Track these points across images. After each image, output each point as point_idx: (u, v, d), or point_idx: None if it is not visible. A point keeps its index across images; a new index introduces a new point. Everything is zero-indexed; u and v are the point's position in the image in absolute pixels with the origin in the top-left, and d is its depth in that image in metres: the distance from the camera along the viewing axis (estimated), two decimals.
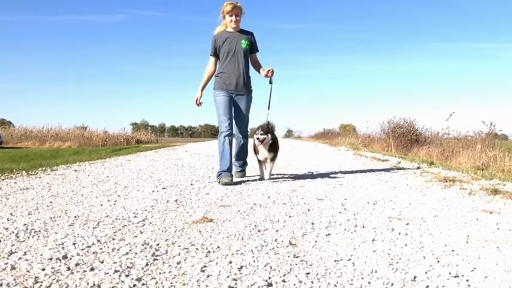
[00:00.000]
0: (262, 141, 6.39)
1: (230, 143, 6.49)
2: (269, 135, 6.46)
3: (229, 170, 6.41)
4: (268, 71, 6.61)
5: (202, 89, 6.66)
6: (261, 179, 6.79)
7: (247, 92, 6.63)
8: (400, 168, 8.77)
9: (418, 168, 8.62)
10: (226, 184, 6.14)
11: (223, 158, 6.45)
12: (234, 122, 6.62)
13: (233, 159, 6.68)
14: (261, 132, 6.44)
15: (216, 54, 6.63)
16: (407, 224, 3.68)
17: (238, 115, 6.64)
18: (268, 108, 6.68)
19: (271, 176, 6.84)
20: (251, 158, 7.01)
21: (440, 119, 14.87)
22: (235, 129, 6.70)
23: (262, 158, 6.65)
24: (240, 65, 6.53)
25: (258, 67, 6.79)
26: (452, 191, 5.49)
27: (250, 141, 6.75)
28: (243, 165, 7.11)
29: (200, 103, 6.60)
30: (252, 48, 6.70)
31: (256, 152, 6.62)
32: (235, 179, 6.57)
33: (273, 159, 6.66)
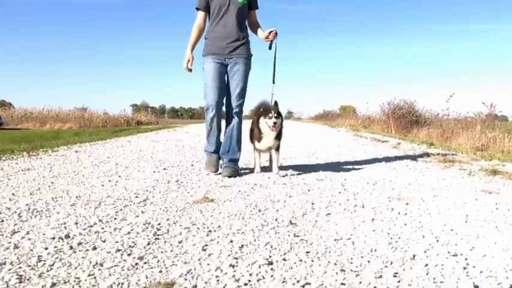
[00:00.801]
0: (275, 127, 5.03)
1: (218, 123, 5.29)
2: (280, 119, 5.14)
3: (217, 151, 5.38)
4: (270, 32, 5.27)
5: (192, 49, 5.33)
6: (254, 171, 5.46)
7: (244, 55, 5.25)
8: (399, 149, 8.79)
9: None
10: (210, 169, 5.40)
11: (210, 137, 5.38)
12: (226, 96, 5.33)
13: (220, 152, 5.40)
14: (276, 115, 5.03)
15: (206, 8, 5.29)
16: (407, 204, 3.70)
17: (232, 84, 5.25)
18: (273, 82, 5.34)
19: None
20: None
21: (441, 100, 14.84)
22: (227, 104, 5.34)
23: (265, 148, 5.28)
24: (235, 23, 5.20)
25: (255, 28, 5.46)
26: (452, 172, 5.51)
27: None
28: (233, 161, 5.36)
29: (191, 69, 5.29)
30: (251, 4, 5.38)
31: (258, 139, 5.22)
32: (223, 173, 5.25)
33: (278, 149, 5.34)
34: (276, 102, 5.21)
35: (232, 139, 5.30)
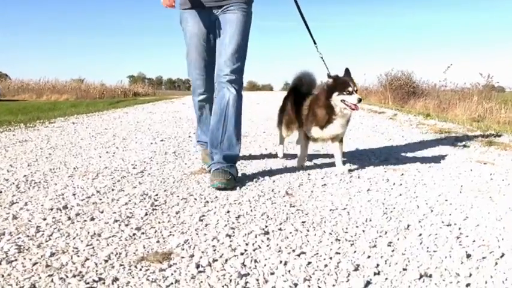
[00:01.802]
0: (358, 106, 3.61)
1: (212, 107, 3.64)
2: None
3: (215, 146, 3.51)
4: None
5: None
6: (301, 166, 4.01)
7: (241, 1, 3.56)
8: (396, 121, 8.80)
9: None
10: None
11: (202, 123, 4.05)
12: (216, 59, 3.61)
13: (208, 143, 3.63)
14: (356, 88, 3.63)
15: None
16: (402, 174, 3.73)
17: (224, 40, 3.53)
18: (315, 43, 3.87)
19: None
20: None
21: (438, 71, 14.82)
22: (217, 70, 3.57)
23: (330, 136, 3.80)
24: None
25: None
26: (448, 143, 5.53)
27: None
28: (229, 159, 3.50)
29: (173, 5, 3.51)
30: None
31: (324, 123, 3.72)
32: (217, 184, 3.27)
33: (342, 139, 3.92)
34: (348, 70, 3.74)
35: (227, 123, 3.49)
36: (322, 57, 3.83)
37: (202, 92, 3.84)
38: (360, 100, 3.54)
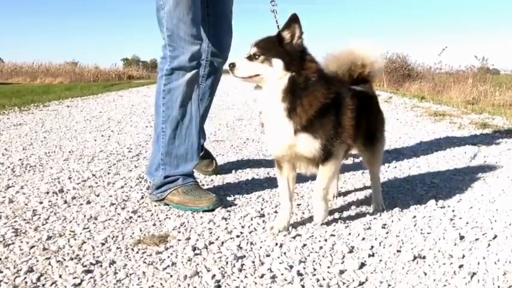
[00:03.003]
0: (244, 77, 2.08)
1: (198, 99, 2.68)
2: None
3: (192, 171, 2.63)
4: None
5: None
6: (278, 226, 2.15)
7: None
8: (391, 103, 8.80)
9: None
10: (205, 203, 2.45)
11: (183, 140, 2.59)
12: (214, 27, 2.97)
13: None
14: (258, 50, 2.04)
15: None
16: (397, 157, 3.74)
17: (218, 13, 2.96)
18: None
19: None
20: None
21: (433, 54, 14.76)
22: (215, 44, 3.00)
23: (278, 153, 2.18)
24: None
25: None
26: (442, 125, 5.54)
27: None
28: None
29: None
30: None
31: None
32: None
33: (328, 158, 2.19)
34: (293, 18, 2.05)
35: (211, 101, 3.22)
36: (275, 11, 2.44)
37: (194, 64, 2.60)
38: (231, 66, 2.10)
